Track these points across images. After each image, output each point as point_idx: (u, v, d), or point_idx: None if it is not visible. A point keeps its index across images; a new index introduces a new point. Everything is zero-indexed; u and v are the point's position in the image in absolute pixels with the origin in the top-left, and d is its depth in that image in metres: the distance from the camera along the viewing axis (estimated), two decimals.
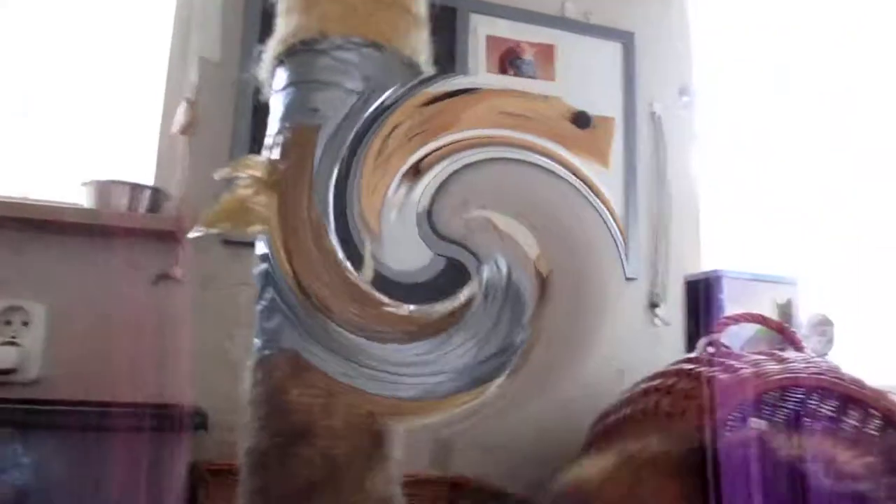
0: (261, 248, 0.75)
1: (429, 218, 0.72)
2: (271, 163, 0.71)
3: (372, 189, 0.69)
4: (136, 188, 1.63)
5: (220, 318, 1.54)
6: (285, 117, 0.74)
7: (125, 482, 1.20)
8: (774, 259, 2.14)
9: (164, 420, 1.22)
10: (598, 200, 0.85)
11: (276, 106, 0.76)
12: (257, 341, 0.73)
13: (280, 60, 0.76)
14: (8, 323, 1.52)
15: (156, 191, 1.67)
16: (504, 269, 0.74)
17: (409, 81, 0.74)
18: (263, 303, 0.72)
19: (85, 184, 1.61)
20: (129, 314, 1.58)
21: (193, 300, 1.61)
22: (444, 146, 0.74)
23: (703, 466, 0.55)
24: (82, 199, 1.61)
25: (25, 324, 1.53)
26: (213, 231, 0.69)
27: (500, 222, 0.75)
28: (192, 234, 0.70)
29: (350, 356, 0.67)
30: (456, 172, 0.75)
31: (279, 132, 0.73)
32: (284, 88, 0.75)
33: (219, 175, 0.74)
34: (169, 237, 1.61)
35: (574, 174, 0.82)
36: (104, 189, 1.61)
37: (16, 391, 1.46)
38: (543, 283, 0.75)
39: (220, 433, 1.42)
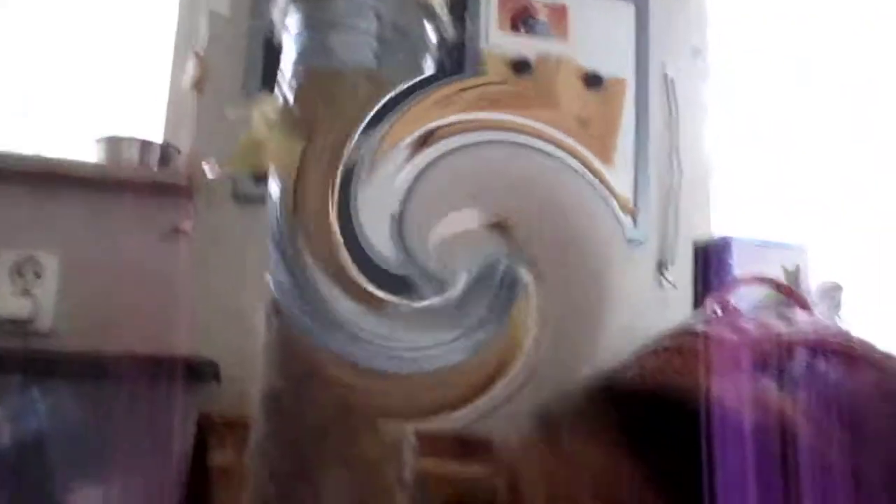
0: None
1: (400, 225, 0.68)
2: (285, 105, 0.71)
3: None
4: (146, 144, 1.63)
5: (230, 273, 1.54)
6: (299, 61, 0.73)
7: (136, 430, 1.21)
8: (784, 226, 2.14)
9: (174, 370, 1.24)
10: (585, 170, 0.83)
11: (290, 50, 0.75)
12: (269, 278, 0.74)
13: (293, 2, 0.75)
14: (20, 275, 1.53)
15: (166, 146, 1.67)
16: (495, 260, 0.69)
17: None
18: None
19: (97, 140, 1.62)
20: (140, 267, 1.59)
21: (203, 254, 1.62)
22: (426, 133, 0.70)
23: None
24: (93, 154, 1.61)
25: (38, 275, 1.54)
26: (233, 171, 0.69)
27: (482, 218, 0.70)
28: (211, 177, 0.70)
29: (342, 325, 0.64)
30: (430, 165, 0.71)
31: (293, 76, 0.73)
32: (298, 32, 0.74)
33: (232, 114, 0.74)
34: (179, 192, 1.62)
35: (558, 146, 0.80)
36: (115, 145, 1.61)
37: (31, 342, 1.48)
38: (537, 263, 0.72)
39: (232, 385, 1.44)
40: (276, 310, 0.73)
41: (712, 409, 0.60)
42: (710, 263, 1.98)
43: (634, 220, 1.95)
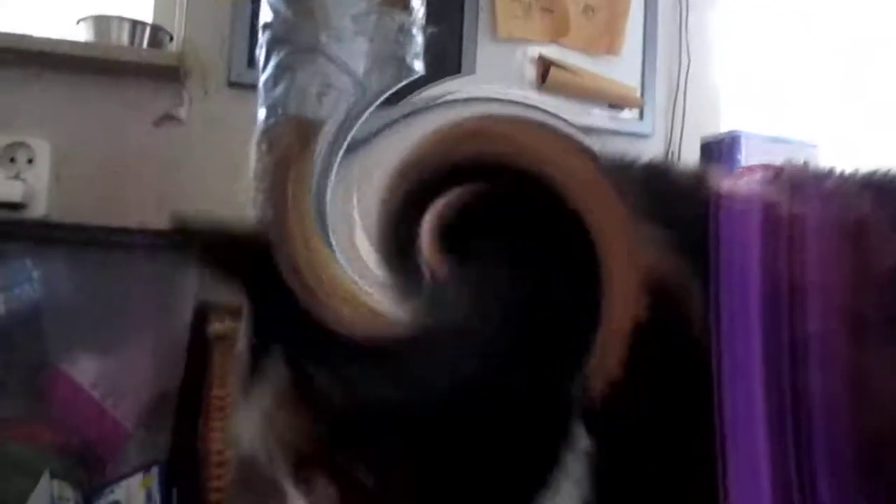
0: (265, 15, 0.71)
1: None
2: None
3: None
4: (136, 24, 1.58)
5: (224, 159, 1.51)
6: None
7: (134, 301, 1.20)
8: (795, 122, 2.09)
9: (172, 243, 1.21)
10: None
11: None
12: (262, 112, 0.70)
13: None
14: (12, 161, 1.50)
15: (156, 28, 1.61)
16: None
17: None
18: (268, 72, 0.69)
19: (82, 19, 1.56)
20: (134, 153, 1.56)
21: (197, 140, 1.59)
22: None
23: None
24: (81, 34, 1.55)
25: (30, 161, 1.51)
26: None
27: None
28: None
29: None
30: None
31: None
32: None
33: None
34: (172, 76, 1.57)
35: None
36: (104, 24, 1.55)
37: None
38: None
39: None
40: (266, 134, 0.70)
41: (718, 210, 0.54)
42: (717, 158, 1.94)
43: (641, 113, 1.90)
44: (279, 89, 0.71)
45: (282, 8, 0.86)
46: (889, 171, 0.64)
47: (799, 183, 0.61)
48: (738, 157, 1.92)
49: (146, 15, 1.68)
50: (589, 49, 1.84)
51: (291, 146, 0.56)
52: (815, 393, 0.45)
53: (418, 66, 0.81)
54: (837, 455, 0.43)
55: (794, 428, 0.43)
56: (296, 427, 0.42)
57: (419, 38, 0.85)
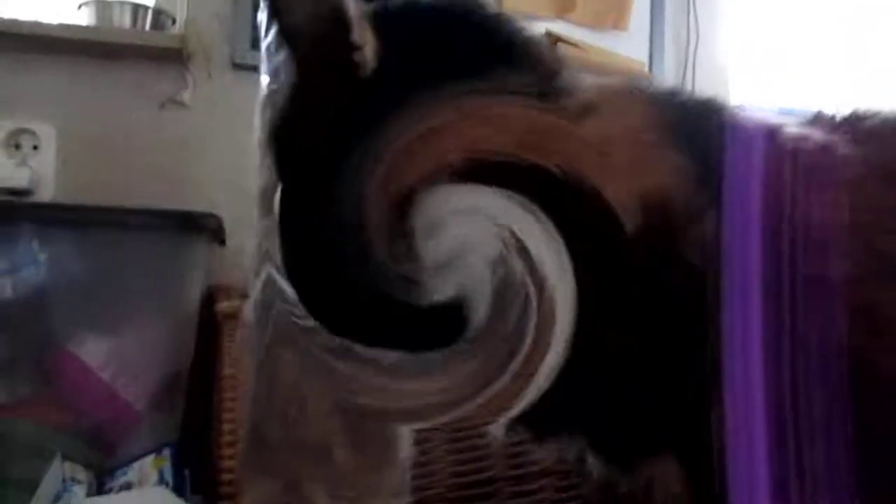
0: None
1: None
2: None
3: None
4: (138, 7, 1.56)
5: (230, 142, 1.50)
6: None
7: (143, 282, 1.19)
8: (805, 95, 2.06)
9: (177, 222, 1.21)
10: None
11: None
12: (265, 78, 0.69)
13: None
14: (18, 147, 1.50)
15: (158, 11, 1.60)
16: None
17: None
18: (270, 38, 0.68)
19: (84, 3, 1.55)
20: (140, 137, 1.55)
21: (202, 123, 1.58)
22: None
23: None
24: (82, 18, 1.54)
25: (35, 147, 1.50)
26: None
27: None
28: None
29: None
30: None
31: None
32: None
33: None
34: (175, 59, 1.56)
35: None
36: (105, 8, 1.54)
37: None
38: None
39: (235, 256, 1.41)
40: (269, 99, 0.68)
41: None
42: None
43: None
44: (282, 53, 0.70)
45: None
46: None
47: (811, 121, 0.60)
48: None
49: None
50: (596, 24, 1.82)
51: None
52: (813, 336, 0.45)
53: None
54: (831, 380, 0.42)
55: (791, 352, 0.42)
56: None
57: None
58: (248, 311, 0.70)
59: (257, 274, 0.68)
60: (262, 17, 0.72)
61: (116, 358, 1.13)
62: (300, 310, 0.59)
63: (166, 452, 1.11)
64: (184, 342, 1.19)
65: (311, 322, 0.56)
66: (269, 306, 0.76)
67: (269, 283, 0.74)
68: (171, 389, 1.18)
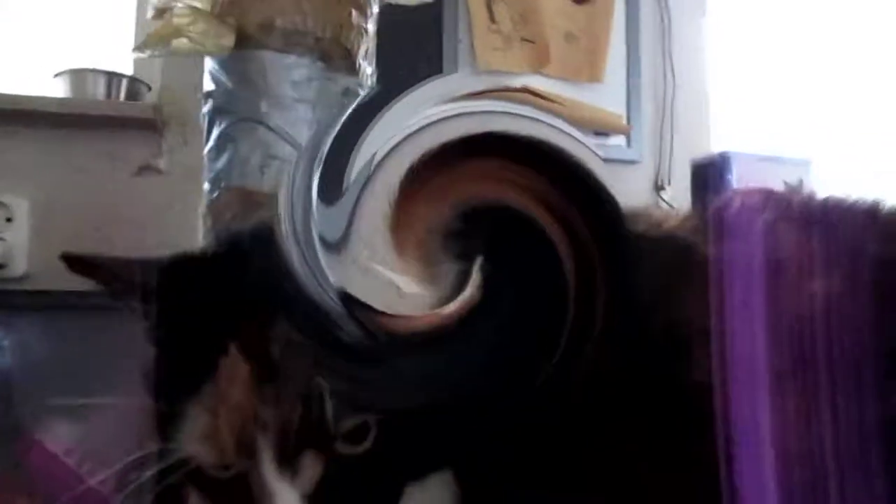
0: (207, 84, 0.69)
1: None
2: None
3: None
4: (112, 76, 1.57)
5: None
6: None
7: (111, 363, 1.18)
8: (787, 141, 2.06)
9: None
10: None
11: None
12: (206, 187, 0.68)
13: None
14: None
15: (133, 80, 1.60)
16: None
17: None
18: (211, 143, 0.67)
19: (59, 73, 1.55)
20: (114, 206, 1.54)
21: (178, 191, 1.57)
22: None
23: None
24: (57, 89, 1.55)
25: (9, 220, 1.49)
26: (148, 54, 0.63)
27: None
28: (135, 55, 0.64)
29: None
30: None
31: None
32: None
33: (154, 4, 0.67)
34: (149, 127, 1.56)
35: None
36: (80, 78, 1.54)
37: (5, 286, 1.44)
38: None
39: None
40: (211, 207, 0.68)
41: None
42: (708, 181, 1.91)
43: (628, 140, 1.87)
44: (222, 161, 0.69)
45: (222, 77, 0.84)
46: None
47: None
48: (730, 177, 1.90)
49: (127, 66, 1.67)
50: (571, 77, 1.82)
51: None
52: None
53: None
54: None
55: None
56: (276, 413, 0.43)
57: None
58: None
59: None
60: (204, 111, 0.71)
61: (83, 442, 1.11)
62: None
63: None
64: (151, 423, 1.17)
65: None
66: None
67: None
68: (140, 473, 1.15)
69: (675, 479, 0.47)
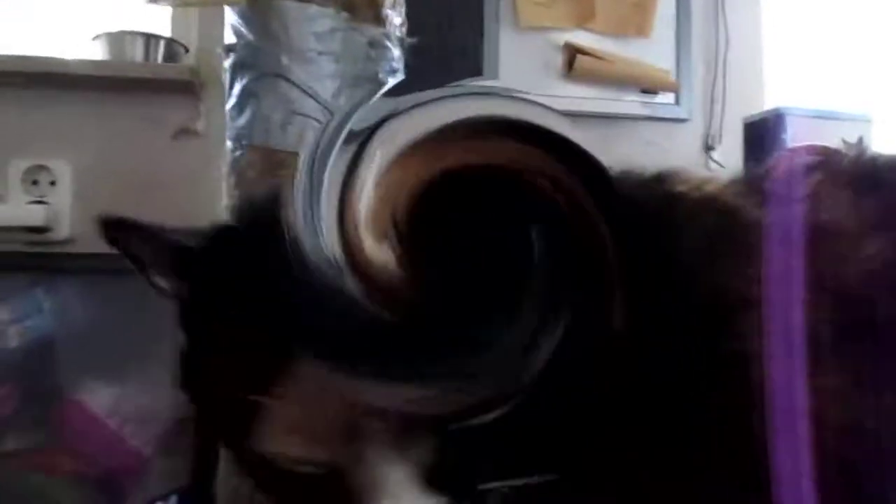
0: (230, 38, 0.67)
1: None
2: None
3: None
4: (150, 38, 1.56)
5: None
6: None
7: (150, 328, 1.18)
8: (846, 98, 1.95)
9: None
10: None
11: None
12: (229, 145, 0.66)
13: None
14: (34, 183, 1.50)
15: (171, 42, 1.59)
16: None
17: None
18: (233, 100, 0.65)
19: (97, 37, 1.55)
20: (154, 169, 1.54)
21: (215, 153, 1.56)
22: None
23: None
24: (95, 52, 1.55)
25: (52, 183, 1.51)
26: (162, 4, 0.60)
27: None
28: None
29: None
30: None
31: None
32: None
33: None
34: (187, 89, 1.55)
35: None
36: (117, 40, 1.54)
37: (50, 248, 1.46)
38: None
39: None
40: (234, 167, 0.66)
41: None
42: (761, 140, 1.82)
43: (677, 97, 1.80)
44: (244, 118, 0.67)
45: (244, 30, 0.82)
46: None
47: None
48: (784, 136, 1.81)
49: (164, 28, 1.66)
50: (618, 32, 1.75)
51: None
52: None
53: (395, 80, 0.76)
54: None
55: None
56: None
57: (395, 52, 0.80)
58: None
59: None
60: (226, 66, 0.69)
61: (123, 404, 1.13)
62: None
63: (173, 500, 1.09)
64: None
65: None
66: None
67: None
68: (181, 435, 1.17)
69: (717, 451, 0.44)
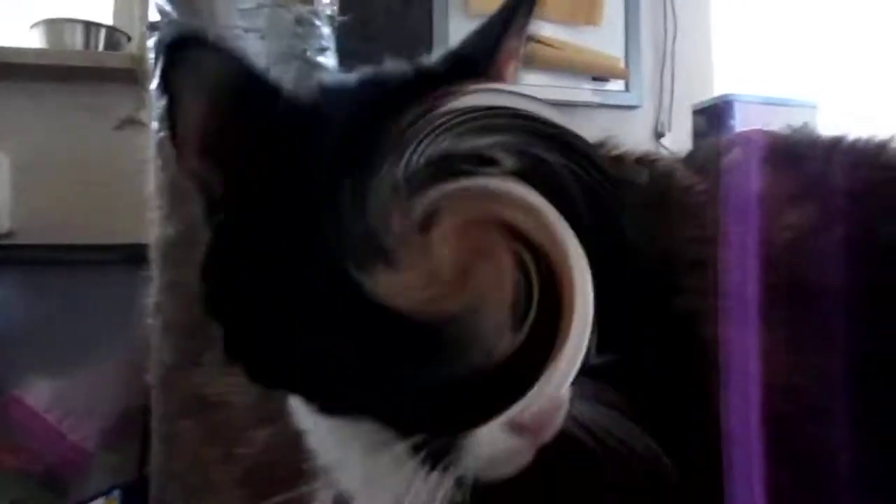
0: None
1: None
2: None
3: None
4: (90, 26, 1.52)
5: None
6: None
7: (96, 321, 1.16)
8: (793, 85, 1.98)
9: (133, 256, 1.16)
10: None
11: None
12: (154, 125, 0.65)
13: None
14: None
15: (112, 30, 1.55)
16: None
17: None
18: (157, 80, 0.63)
19: (35, 24, 1.51)
20: (95, 160, 1.51)
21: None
22: None
23: None
24: (33, 40, 1.50)
25: None
26: None
27: None
28: None
29: None
30: None
31: None
32: None
33: None
34: (130, 79, 1.51)
35: None
36: (57, 28, 1.50)
37: None
38: None
39: None
40: (160, 148, 0.64)
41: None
42: (710, 126, 1.85)
43: (626, 84, 1.81)
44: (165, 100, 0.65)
45: (168, 7, 0.80)
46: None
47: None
48: (733, 123, 1.83)
49: (106, 17, 1.62)
50: (567, 20, 1.76)
51: None
52: None
53: (325, 59, 0.75)
54: None
55: None
56: None
57: (325, 30, 0.79)
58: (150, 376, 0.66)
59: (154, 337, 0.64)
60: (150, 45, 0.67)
61: (63, 399, 1.10)
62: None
63: (116, 494, 1.07)
64: (139, 379, 1.15)
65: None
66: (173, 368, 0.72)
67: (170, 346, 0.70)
68: (126, 428, 1.14)
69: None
